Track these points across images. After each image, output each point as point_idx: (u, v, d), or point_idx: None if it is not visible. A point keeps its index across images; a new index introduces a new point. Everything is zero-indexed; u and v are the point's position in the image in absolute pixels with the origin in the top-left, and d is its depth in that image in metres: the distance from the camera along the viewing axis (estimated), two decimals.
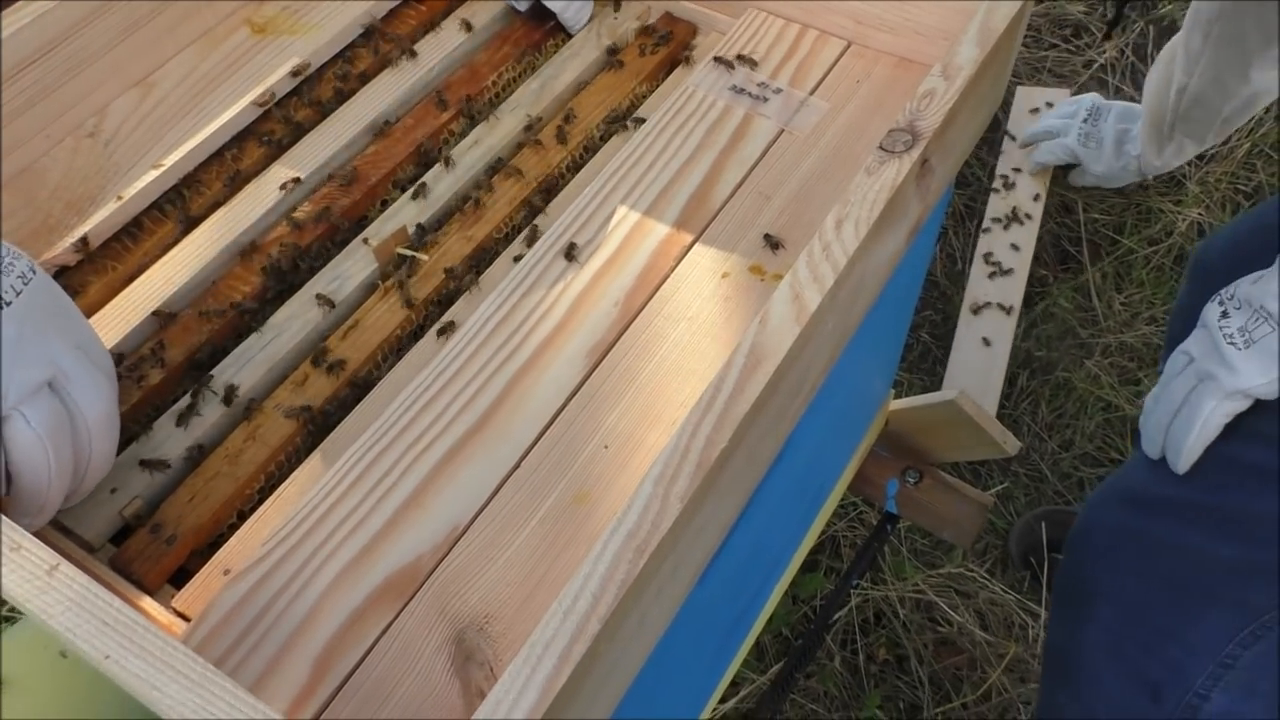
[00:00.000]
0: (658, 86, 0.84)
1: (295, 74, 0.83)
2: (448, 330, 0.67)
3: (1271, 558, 0.78)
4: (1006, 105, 1.91)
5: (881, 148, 0.62)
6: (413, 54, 0.84)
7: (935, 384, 1.58)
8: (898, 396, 1.16)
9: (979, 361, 1.55)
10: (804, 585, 1.37)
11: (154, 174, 0.76)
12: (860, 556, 1.16)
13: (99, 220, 0.74)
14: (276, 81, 0.82)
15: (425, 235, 0.73)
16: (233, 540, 0.60)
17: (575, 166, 0.78)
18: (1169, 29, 2.04)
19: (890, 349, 1.01)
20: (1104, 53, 2.00)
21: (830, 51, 0.81)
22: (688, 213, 0.71)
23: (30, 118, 0.76)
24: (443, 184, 0.76)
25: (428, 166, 0.78)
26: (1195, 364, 0.79)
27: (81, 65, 0.78)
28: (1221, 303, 0.79)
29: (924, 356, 1.64)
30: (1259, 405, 0.78)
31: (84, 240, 0.73)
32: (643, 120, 0.79)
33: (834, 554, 1.43)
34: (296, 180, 0.76)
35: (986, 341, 1.55)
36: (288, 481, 0.62)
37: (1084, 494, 1.53)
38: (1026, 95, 1.91)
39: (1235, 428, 0.79)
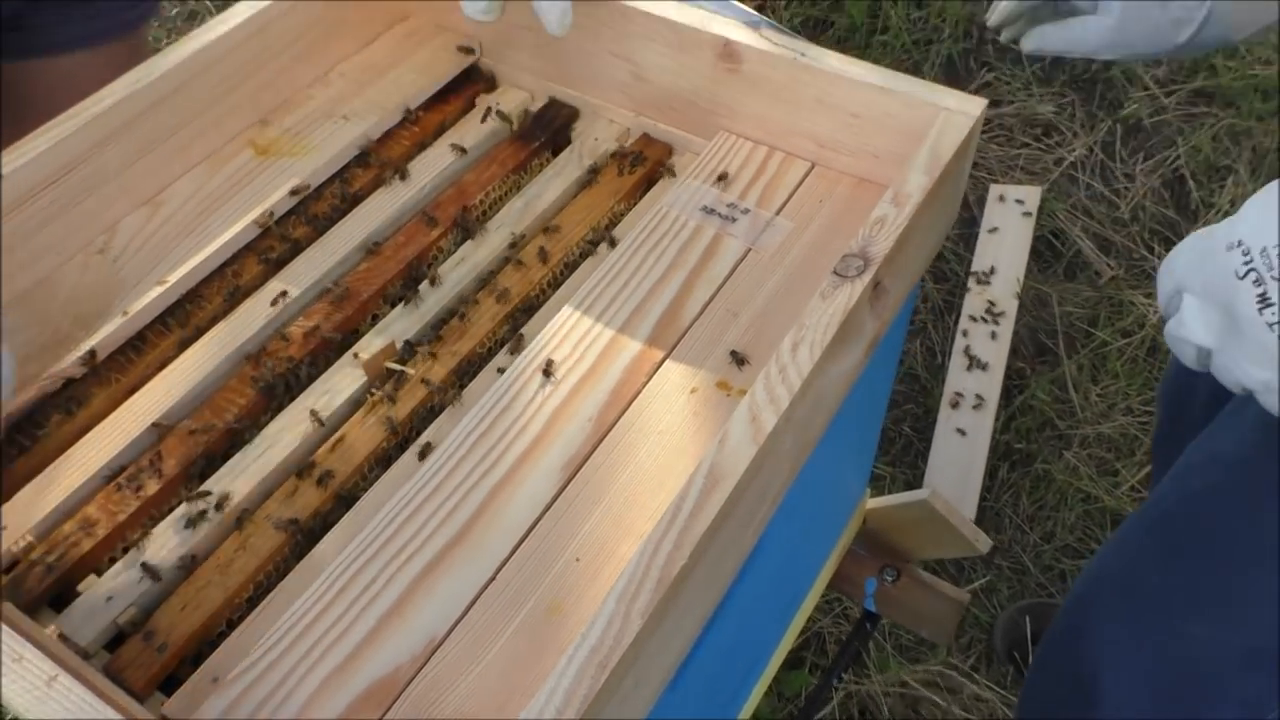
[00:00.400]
0: (636, 204, 0.89)
1: (294, 193, 0.88)
2: (426, 451, 0.70)
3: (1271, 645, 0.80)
4: (981, 201, 1.98)
5: (835, 272, 0.67)
6: (404, 174, 0.89)
7: (917, 477, 1.61)
8: (881, 490, 1.20)
9: (959, 455, 1.58)
10: (789, 682, 1.38)
11: (159, 290, 0.81)
12: (842, 653, 1.18)
13: (105, 334, 0.78)
14: (277, 200, 0.87)
15: (412, 350, 0.77)
16: (221, 649, 0.62)
17: (556, 283, 0.83)
18: (1135, 127, 2.12)
19: (861, 452, 1.04)
20: (1074, 151, 2.08)
21: (795, 172, 0.86)
22: (659, 329, 0.75)
23: (45, 235, 0.81)
24: (430, 300, 0.81)
25: (417, 283, 0.83)
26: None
27: (97, 185, 0.83)
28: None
29: (906, 450, 1.67)
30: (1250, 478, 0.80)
31: (91, 354, 0.77)
32: (616, 241, 0.84)
33: (819, 650, 1.45)
34: (285, 295, 0.80)
35: (962, 432, 1.58)
36: (275, 591, 0.65)
37: (1066, 586, 1.55)
38: (999, 192, 1.98)
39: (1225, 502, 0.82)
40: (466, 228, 0.87)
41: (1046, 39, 0.82)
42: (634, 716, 0.55)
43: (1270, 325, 0.62)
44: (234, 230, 0.85)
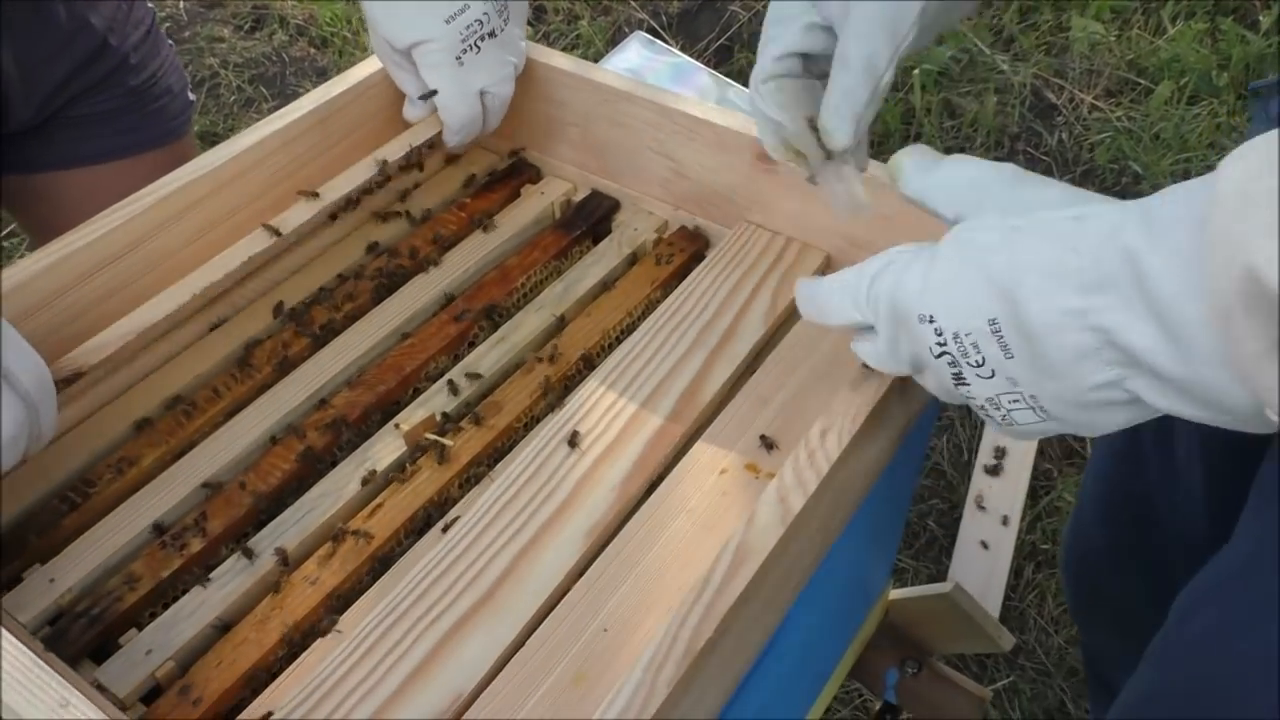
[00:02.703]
0: (670, 291, 0.92)
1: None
2: (450, 526, 0.73)
3: None
4: None
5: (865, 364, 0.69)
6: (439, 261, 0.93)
7: (941, 573, 1.60)
8: (904, 584, 1.20)
9: (983, 555, 1.58)
10: None
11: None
12: None
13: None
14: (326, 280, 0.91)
15: (450, 423, 0.80)
16: (254, 704, 0.64)
17: (590, 365, 0.86)
18: None
19: (886, 542, 1.05)
20: None
21: (812, 261, 0.89)
22: (679, 406, 0.78)
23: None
24: (471, 376, 0.84)
25: (458, 359, 0.86)
26: None
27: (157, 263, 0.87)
28: None
29: (930, 545, 1.67)
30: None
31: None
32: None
33: None
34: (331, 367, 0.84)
35: (985, 545, 1.57)
36: (309, 650, 0.67)
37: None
38: None
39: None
40: (504, 312, 0.90)
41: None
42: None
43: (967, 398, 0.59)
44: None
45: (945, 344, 0.56)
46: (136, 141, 1.14)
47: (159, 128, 1.16)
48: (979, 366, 0.56)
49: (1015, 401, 0.56)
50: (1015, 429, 0.58)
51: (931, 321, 0.57)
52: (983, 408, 0.58)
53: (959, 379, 0.57)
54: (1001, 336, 0.54)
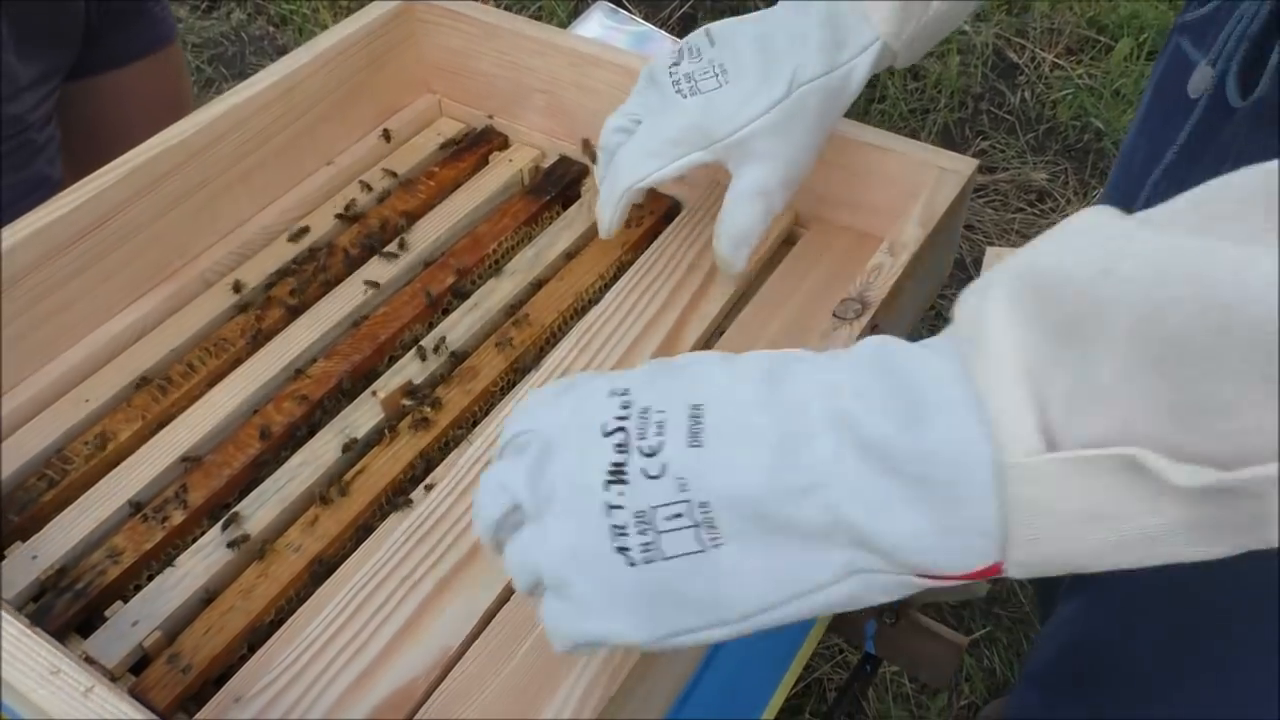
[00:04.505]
0: (641, 254, 0.93)
1: (293, 238, 0.92)
2: (432, 488, 0.74)
3: None
4: (977, 263, 2.03)
5: (835, 315, 0.71)
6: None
7: None
8: None
9: None
10: None
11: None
12: (841, 697, 1.19)
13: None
14: (297, 252, 0.91)
15: (428, 388, 0.81)
16: (243, 670, 0.65)
17: (564, 328, 0.87)
18: None
19: None
20: (1068, 216, 2.13)
21: (781, 219, 0.90)
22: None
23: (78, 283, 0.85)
24: (446, 342, 0.84)
25: (432, 326, 0.87)
26: None
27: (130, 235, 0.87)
28: None
29: None
30: None
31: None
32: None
33: (820, 698, 1.46)
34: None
35: None
36: (295, 615, 0.67)
37: None
38: (995, 254, 2.03)
39: None
40: (477, 278, 0.91)
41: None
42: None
43: (615, 531, 0.41)
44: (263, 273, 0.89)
45: (627, 420, 0.43)
46: (161, 35, 1.25)
47: (168, 20, 1.27)
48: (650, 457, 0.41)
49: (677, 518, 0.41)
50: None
51: (623, 393, 0.44)
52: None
53: (616, 473, 0.42)
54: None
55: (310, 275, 0.90)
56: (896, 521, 0.38)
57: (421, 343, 0.84)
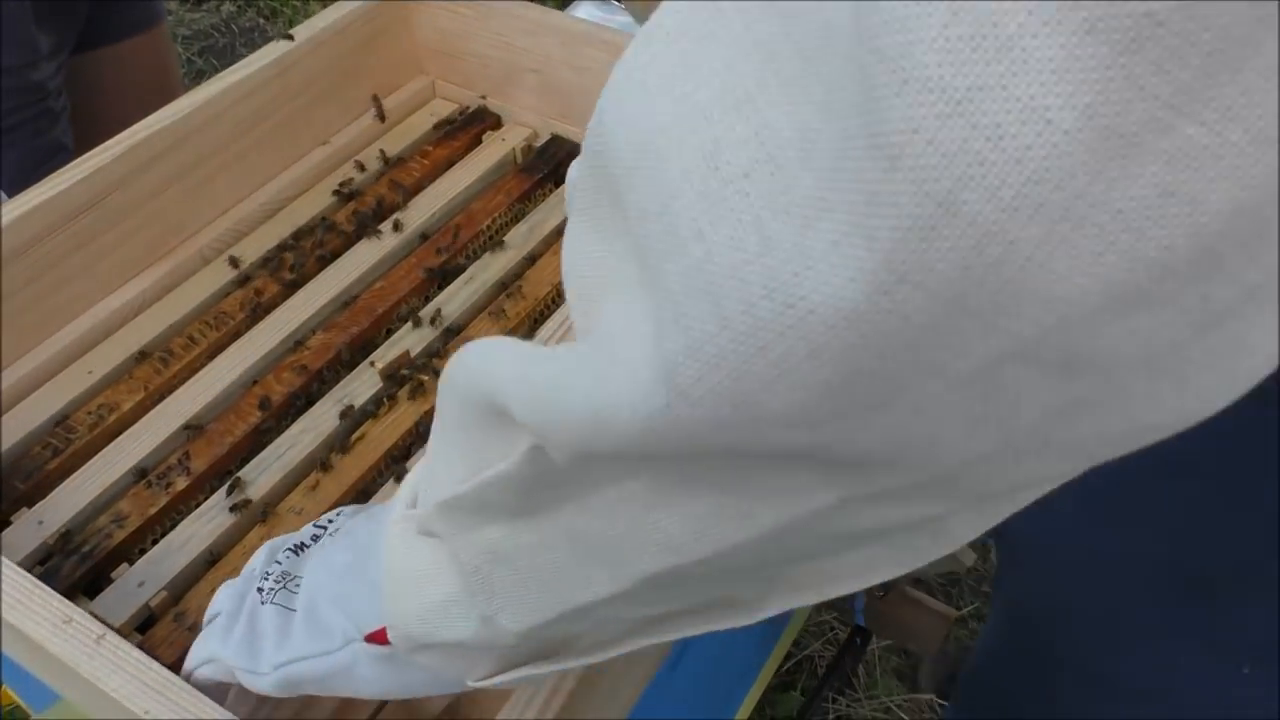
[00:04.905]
0: None
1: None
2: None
3: None
4: None
5: None
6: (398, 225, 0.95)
7: None
8: None
9: None
10: (779, 704, 1.41)
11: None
12: (831, 670, 1.21)
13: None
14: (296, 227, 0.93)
15: (424, 359, 0.82)
16: None
17: (557, 300, 0.89)
18: None
19: None
20: None
21: None
22: None
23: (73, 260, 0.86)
24: (443, 313, 0.86)
25: (429, 299, 0.88)
26: None
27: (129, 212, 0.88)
28: None
29: None
30: None
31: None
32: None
33: (811, 674, 1.48)
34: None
35: None
36: None
37: None
38: None
39: None
40: (473, 252, 0.93)
41: None
42: (617, 717, 0.59)
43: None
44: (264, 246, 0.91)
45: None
46: (152, 14, 1.31)
47: (158, 2, 1.34)
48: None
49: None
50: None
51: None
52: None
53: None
54: None
55: (308, 251, 0.92)
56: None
57: (420, 314, 0.86)
